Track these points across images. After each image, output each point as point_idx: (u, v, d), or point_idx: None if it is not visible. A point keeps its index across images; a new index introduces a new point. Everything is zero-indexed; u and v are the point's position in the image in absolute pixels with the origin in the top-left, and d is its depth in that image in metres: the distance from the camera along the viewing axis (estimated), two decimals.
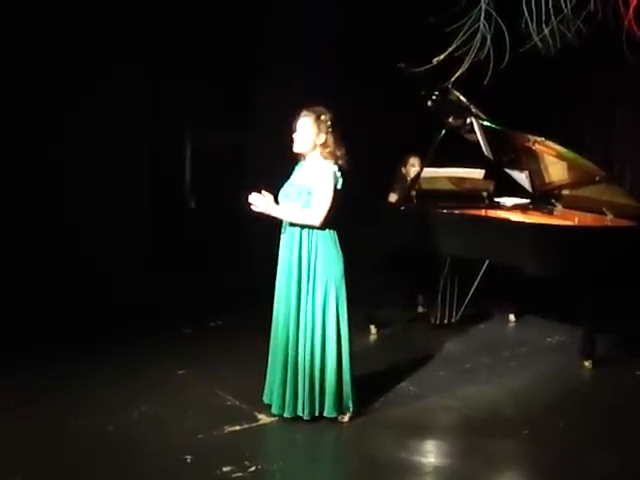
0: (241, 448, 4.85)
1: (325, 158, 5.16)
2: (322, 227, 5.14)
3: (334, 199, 5.13)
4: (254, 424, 5.25)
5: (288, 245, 5.21)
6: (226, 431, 5.11)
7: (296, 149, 5.25)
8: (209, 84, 8.86)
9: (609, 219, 6.74)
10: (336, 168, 5.15)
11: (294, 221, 5.16)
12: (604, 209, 6.80)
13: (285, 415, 5.22)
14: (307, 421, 5.18)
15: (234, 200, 8.90)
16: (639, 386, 6.25)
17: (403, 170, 8.04)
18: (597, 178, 6.86)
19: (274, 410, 5.27)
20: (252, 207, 5.16)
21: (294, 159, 5.32)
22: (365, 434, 5.17)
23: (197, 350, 6.71)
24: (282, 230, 5.28)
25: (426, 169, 7.47)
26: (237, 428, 5.16)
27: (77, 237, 7.88)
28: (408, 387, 5.99)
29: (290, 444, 5.15)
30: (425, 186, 7.54)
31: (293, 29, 9.01)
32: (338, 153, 5.17)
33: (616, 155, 9.67)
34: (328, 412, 5.22)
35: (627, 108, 9.63)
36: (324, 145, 5.16)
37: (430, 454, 5.06)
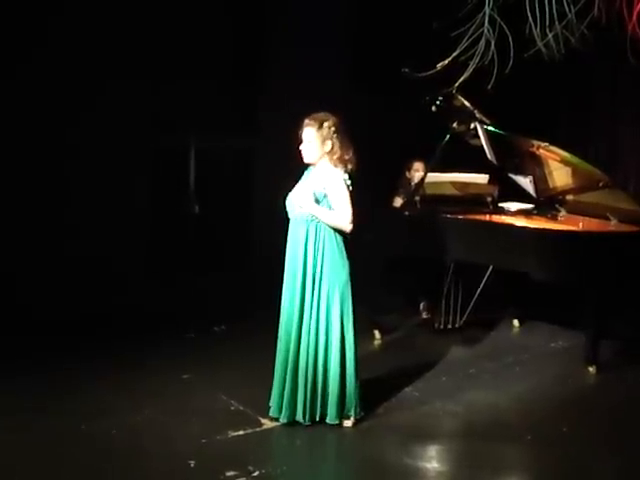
0: (245, 453, 4.85)
1: (335, 165, 5.17)
2: (353, 230, 5.18)
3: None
4: (258, 429, 5.24)
5: (294, 251, 5.22)
6: (230, 436, 5.11)
7: (305, 160, 5.26)
8: (214, 88, 8.86)
9: (613, 224, 6.74)
10: (347, 176, 5.17)
11: (327, 222, 5.15)
12: (608, 214, 6.80)
13: (281, 420, 5.22)
14: (310, 426, 5.18)
15: (238, 204, 8.97)
16: None
17: (407, 175, 8.04)
18: (601, 183, 6.86)
19: (272, 413, 5.28)
20: (297, 206, 5.17)
21: (299, 163, 5.32)
22: (369, 439, 5.17)
23: (201, 355, 6.70)
24: (288, 238, 5.30)
25: (430, 174, 7.47)
26: (241, 433, 5.16)
27: (81, 239, 7.88)
28: (412, 392, 5.99)
29: (294, 449, 5.16)
30: (429, 191, 7.53)
31: (297, 32, 9.01)
32: (346, 157, 5.18)
33: (621, 159, 9.67)
34: (330, 419, 5.22)
35: (631, 113, 9.63)
36: (331, 152, 5.17)
37: (433, 459, 5.06)
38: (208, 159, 8.97)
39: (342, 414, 5.23)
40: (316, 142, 5.16)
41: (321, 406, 5.21)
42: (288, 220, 5.29)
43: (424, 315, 8.00)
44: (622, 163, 9.62)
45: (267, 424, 5.30)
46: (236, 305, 8.00)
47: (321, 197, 5.15)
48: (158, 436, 5.09)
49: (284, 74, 8.97)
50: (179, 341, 7.04)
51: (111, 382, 5.95)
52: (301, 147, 5.24)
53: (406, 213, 7.36)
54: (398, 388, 5.95)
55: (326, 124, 5.16)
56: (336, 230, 5.19)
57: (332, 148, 5.16)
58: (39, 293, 7.36)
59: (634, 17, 5.99)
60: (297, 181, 5.33)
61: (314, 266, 5.16)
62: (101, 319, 7.42)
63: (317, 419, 5.21)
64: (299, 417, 5.19)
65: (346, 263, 5.21)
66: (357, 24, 9.29)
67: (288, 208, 5.29)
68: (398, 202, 7.82)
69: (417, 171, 7.92)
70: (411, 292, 8.15)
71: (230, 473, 4.56)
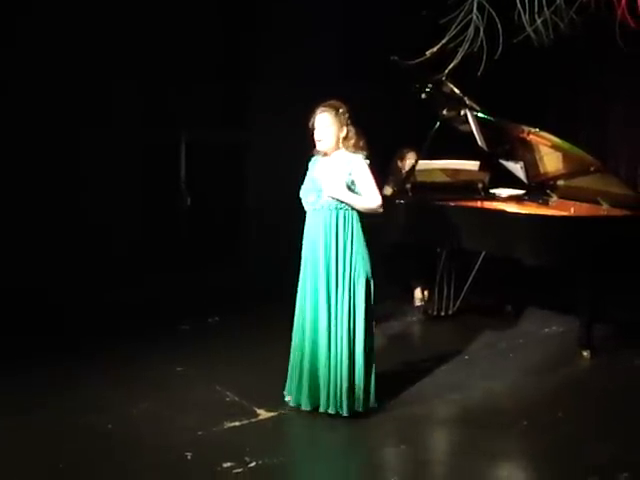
0: (241, 444, 4.84)
1: (353, 152, 5.15)
2: (382, 210, 5.18)
3: None
4: (254, 420, 5.24)
5: (317, 241, 5.16)
6: (226, 427, 5.11)
7: (321, 148, 5.20)
8: (205, 81, 8.85)
9: (605, 209, 6.75)
10: (368, 162, 5.15)
11: (360, 207, 5.13)
12: (599, 199, 6.81)
13: (330, 411, 5.17)
14: (307, 416, 5.20)
15: (230, 197, 8.95)
16: (637, 375, 6.26)
17: (398, 163, 8.05)
18: (592, 168, 6.87)
19: (305, 405, 5.25)
20: (329, 193, 5.10)
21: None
22: (364, 427, 5.17)
23: (195, 347, 6.69)
24: (307, 222, 5.25)
25: (421, 161, 7.48)
26: (237, 424, 5.16)
27: (72, 235, 7.87)
28: (406, 379, 5.98)
29: (290, 439, 5.18)
30: (420, 178, 7.56)
31: (288, 24, 9.00)
32: (361, 144, 5.17)
33: (611, 145, 9.68)
34: (363, 407, 5.22)
35: (621, 98, 9.64)
36: (347, 138, 5.14)
37: (429, 446, 5.09)
38: (200, 153, 8.95)
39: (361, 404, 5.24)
40: (333, 127, 5.12)
41: (347, 397, 5.16)
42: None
43: (418, 302, 8.02)
44: (613, 149, 9.63)
45: (263, 415, 5.30)
46: (229, 297, 8.01)
47: (350, 184, 5.12)
48: (154, 429, 5.08)
49: (275, 67, 8.95)
50: (173, 334, 7.05)
51: (107, 376, 5.94)
52: (316, 134, 5.16)
53: (397, 201, 7.36)
54: (392, 376, 5.94)
55: (341, 110, 5.14)
56: (361, 217, 5.17)
57: (347, 134, 5.14)
58: (33, 289, 7.35)
59: (623, 1, 5.99)
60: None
61: (344, 255, 5.12)
62: (95, 314, 7.41)
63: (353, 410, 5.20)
64: (332, 409, 5.17)
65: (368, 251, 5.21)
66: (346, 14, 9.27)
67: (308, 199, 5.21)
68: (388, 190, 7.82)
69: (408, 159, 7.93)
70: (404, 279, 8.17)
71: (226, 464, 4.56)
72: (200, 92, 8.79)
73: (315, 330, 5.17)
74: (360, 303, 5.14)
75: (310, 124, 5.18)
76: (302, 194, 5.25)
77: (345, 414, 5.16)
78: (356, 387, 5.17)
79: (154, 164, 8.66)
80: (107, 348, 6.53)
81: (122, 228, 8.33)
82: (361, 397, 5.19)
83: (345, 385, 5.13)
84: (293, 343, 5.35)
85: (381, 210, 5.19)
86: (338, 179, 5.10)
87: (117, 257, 8.21)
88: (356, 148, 5.16)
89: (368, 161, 5.17)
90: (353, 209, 5.14)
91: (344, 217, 5.13)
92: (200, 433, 5.00)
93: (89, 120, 7.92)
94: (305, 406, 5.27)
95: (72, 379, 5.88)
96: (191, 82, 8.67)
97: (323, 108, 5.16)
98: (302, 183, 5.29)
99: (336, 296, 5.13)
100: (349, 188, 5.11)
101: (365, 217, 5.22)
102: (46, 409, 5.33)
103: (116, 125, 8.15)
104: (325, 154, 5.23)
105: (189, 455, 4.69)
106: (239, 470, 4.51)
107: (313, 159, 5.32)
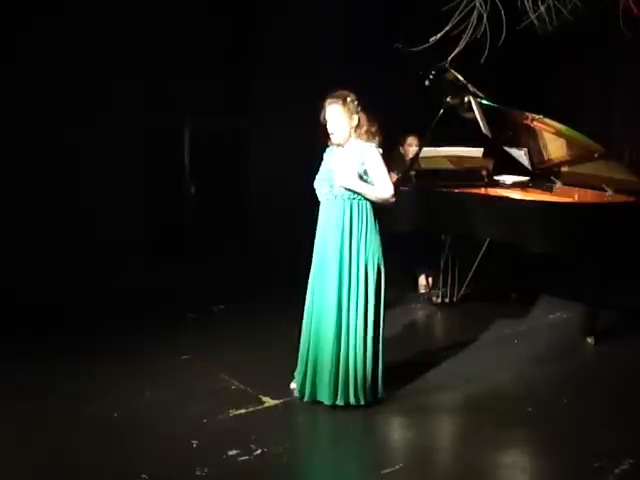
0: (247, 431, 4.85)
1: (367, 139, 5.13)
2: (394, 200, 5.19)
3: None
4: (259, 407, 5.26)
5: (329, 231, 5.15)
6: (231, 415, 5.12)
7: (335, 140, 5.19)
8: (206, 68, 8.83)
9: (609, 195, 6.74)
10: (380, 150, 5.14)
11: (373, 197, 5.13)
12: (604, 185, 6.80)
13: (338, 403, 5.15)
14: (312, 403, 5.21)
15: (234, 184, 8.95)
16: None
17: (401, 150, 8.05)
18: (596, 154, 6.85)
19: (325, 399, 5.20)
20: (340, 183, 5.08)
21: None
22: (370, 415, 5.17)
23: (200, 335, 6.72)
24: (321, 212, 5.24)
25: (425, 149, 7.47)
26: (242, 411, 5.17)
27: (77, 223, 7.87)
28: (411, 367, 6.00)
29: (296, 426, 5.19)
30: (424, 166, 7.55)
31: (289, 10, 8.98)
32: (373, 130, 5.16)
33: (615, 131, 9.66)
34: (372, 397, 5.23)
35: (625, 84, 9.62)
36: (359, 126, 5.13)
37: (434, 433, 5.08)
38: (203, 140, 8.95)
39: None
40: (344, 117, 5.11)
41: (357, 388, 5.17)
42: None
43: (422, 289, 8.03)
44: (617, 136, 9.62)
45: (268, 402, 5.32)
46: (234, 285, 8.02)
47: (362, 173, 5.11)
48: (160, 417, 5.09)
49: (277, 53, 8.93)
50: (178, 322, 7.06)
51: (111, 364, 5.96)
52: (328, 127, 5.15)
53: (401, 188, 7.35)
54: (397, 363, 5.93)
55: (349, 99, 5.12)
56: (374, 207, 5.17)
57: (359, 122, 5.13)
58: (37, 278, 7.36)
59: None
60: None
61: (358, 245, 5.11)
62: (99, 302, 7.43)
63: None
64: (353, 400, 5.16)
65: (380, 241, 5.21)
66: (349, 1, 9.24)
67: (322, 190, 5.20)
68: (392, 177, 7.78)
69: (410, 146, 7.94)
70: (409, 266, 8.16)
71: (232, 452, 4.58)
72: (203, 79, 8.78)
73: (325, 321, 5.15)
74: (372, 293, 5.15)
75: (321, 118, 5.18)
76: (316, 184, 5.24)
77: (353, 404, 5.16)
78: (366, 377, 5.17)
79: (157, 152, 8.66)
80: (112, 337, 6.55)
81: (125, 216, 8.32)
82: (370, 387, 5.19)
83: (355, 375, 5.13)
84: (303, 334, 5.35)
85: (393, 200, 5.19)
86: (350, 169, 5.09)
87: (120, 246, 8.21)
88: (369, 135, 5.15)
89: (381, 150, 5.16)
90: (366, 199, 5.14)
91: (358, 207, 5.13)
92: (206, 421, 5.02)
93: (91, 106, 7.91)
94: (309, 397, 5.26)
95: (76, 368, 5.89)
96: (194, 68, 8.65)
97: (331, 100, 5.14)
98: (314, 172, 5.28)
99: (349, 287, 5.11)
100: (361, 178, 5.10)
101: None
102: (50, 398, 5.35)
103: (118, 112, 8.13)
104: (340, 144, 5.23)
105: (195, 443, 4.70)
106: (245, 458, 4.53)
107: (328, 149, 5.31)
